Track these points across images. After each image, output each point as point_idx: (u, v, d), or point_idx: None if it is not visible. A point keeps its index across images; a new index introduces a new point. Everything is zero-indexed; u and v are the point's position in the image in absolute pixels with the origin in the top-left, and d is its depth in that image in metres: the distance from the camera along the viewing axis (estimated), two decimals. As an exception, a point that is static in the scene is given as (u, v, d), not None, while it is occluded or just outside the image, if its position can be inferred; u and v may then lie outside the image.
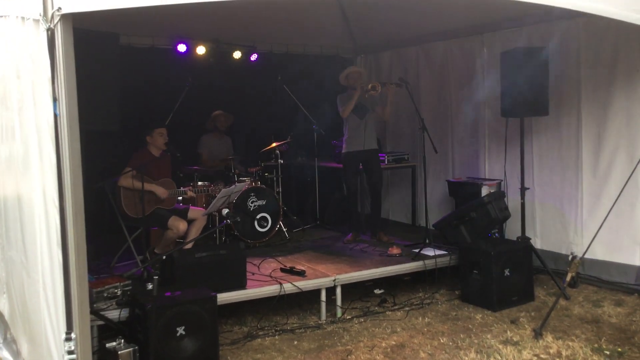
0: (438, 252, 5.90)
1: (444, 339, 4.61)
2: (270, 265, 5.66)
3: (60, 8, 3.18)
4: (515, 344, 4.49)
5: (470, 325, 4.91)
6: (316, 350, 4.47)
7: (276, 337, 4.74)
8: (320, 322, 5.06)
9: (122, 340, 3.93)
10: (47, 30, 3.24)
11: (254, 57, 7.61)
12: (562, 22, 5.64)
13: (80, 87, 3.38)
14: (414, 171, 7.79)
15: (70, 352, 3.38)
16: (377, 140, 6.85)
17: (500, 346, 4.43)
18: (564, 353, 4.29)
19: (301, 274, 5.29)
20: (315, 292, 5.17)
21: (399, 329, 4.86)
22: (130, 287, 4.49)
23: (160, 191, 5.56)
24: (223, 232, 6.59)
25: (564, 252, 5.98)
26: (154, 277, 3.77)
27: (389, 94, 6.49)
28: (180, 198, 5.89)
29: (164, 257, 4.81)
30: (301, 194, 8.17)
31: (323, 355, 4.39)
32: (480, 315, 5.13)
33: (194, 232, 5.66)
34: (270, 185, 7.20)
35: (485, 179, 6.74)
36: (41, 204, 3.58)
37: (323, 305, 5.15)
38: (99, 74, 4.10)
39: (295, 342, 4.63)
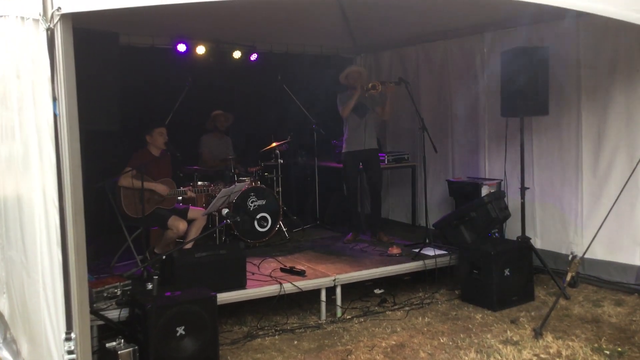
0: (438, 252, 5.90)
1: (444, 339, 4.61)
2: (270, 265, 5.65)
3: (60, 8, 3.18)
4: (515, 343, 4.48)
5: (470, 325, 4.90)
6: (316, 350, 4.47)
7: (276, 337, 4.74)
8: (320, 322, 5.06)
9: (122, 340, 3.93)
10: (47, 30, 3.23)
11: (253, 57, 7.62)
12: (562, 22, 5.63)
13: (80, 86, 3.38)
14: (414, 171, 7.79)
15: (70, 352, 3.38)
16: (377, 140, 6.85)
17: (500, 346, 4.43)
18: (564, 353, 4.29)
19: (301, 273, 5.28)
20: (315, 292, 5.17)
21: (399, 329, 4.85)
22: (130, 287, 4.49)
23: (161, 188, 5.55)
24: (223, 232, 6.59)
25: (564, 251, 5.98)
26: (154, 277, 3.77)
27: (389, 93, 6.49)
28: (180, 198, 5.88)
29: (164, 257, 4.82)
30: (301, 193, 8.16)
31: (323, 355, 4.38)
32: (480, 315, 5.13)
33: (194, 232, 5.66)
34: (270, 185, 7.20)
35: (485, 179, 6.74)
36: (41, 203, 3.58)
37: (323, 305, 5.15)
38: (98, 73, 4.10)
39: (295, 342, 4.63)
